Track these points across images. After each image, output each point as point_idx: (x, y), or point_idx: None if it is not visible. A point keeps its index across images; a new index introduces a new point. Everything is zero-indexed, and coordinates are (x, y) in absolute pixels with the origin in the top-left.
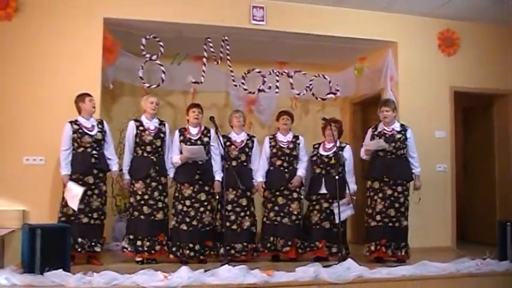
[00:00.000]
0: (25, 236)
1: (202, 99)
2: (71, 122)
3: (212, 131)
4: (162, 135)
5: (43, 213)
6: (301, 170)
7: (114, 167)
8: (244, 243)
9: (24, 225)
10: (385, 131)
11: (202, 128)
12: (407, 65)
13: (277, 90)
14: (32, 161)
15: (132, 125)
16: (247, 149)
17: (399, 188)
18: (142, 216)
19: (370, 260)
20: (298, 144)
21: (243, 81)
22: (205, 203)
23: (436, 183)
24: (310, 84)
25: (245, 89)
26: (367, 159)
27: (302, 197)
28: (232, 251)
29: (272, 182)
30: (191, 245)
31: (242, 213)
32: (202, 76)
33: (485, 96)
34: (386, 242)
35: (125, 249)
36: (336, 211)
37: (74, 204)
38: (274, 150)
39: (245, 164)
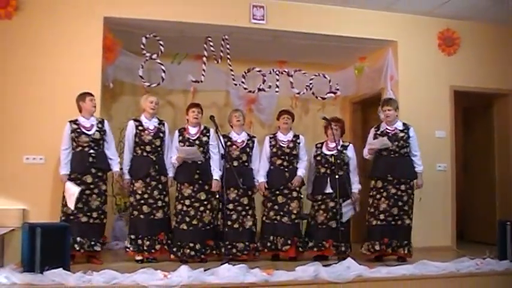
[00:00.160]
0: (25, 235)
1: (202, 98)
2: (70, 122)
3: (212, 131)
4: (161, 134)
5: (43, 212)
6: (301, 170)
7: (115, 167)
8: (246, 243)
9: (24, 224)
10: (388, 130)
11: (202, 127)
12: (407, 64)
13: (277, 89)
14: (32, 160)
15: (131, 124)
16: (248, 149)
17: (403, 187)
18: (142, 216)
19: (370, 258)
20: (299, 143)
21: (243, 80)
22: (205, 202)
23: (436, 183)
24: (310, 84)
25: (245, 88)
26: (370, 158)
27: (302, 196)
28: (234, 250)
29: (272, 182)
30: (191, 245)
31: (244, 213)
32: (203, 75)
33: (485, 95)
34: (388, 241)
35: (127, 249)
36: (342, 210)
37: (71, 203)
38: (274, 150)
39: (246, 164)
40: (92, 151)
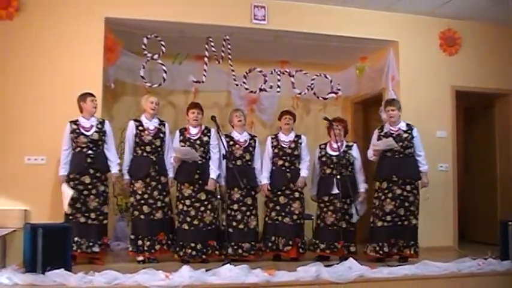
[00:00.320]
0: (27, 235)
1: (204, 98)
2: (71, 122)
3: (213, 131)
4: (161, 135)
5: (44, 212)
6: (304, 171)
7: (114, 169)
8: (252, 243)
9: (25, 225)
10: (392, 131)
11: (203, 127)
12: (408, 64)
13: (278, 89)
14: (34, 161)
15: (131, 125)
16: (250, 148)
17: (408, 187)
18: (142, 216)
19: (372, 258)
20: (300, 143)
21: (244, 80)
22: (206, 202)
23: (437, 183)
24: (312, 84)
25: (246, 89)
26: (374, 160)
27: (303, 196)
28: (240, 251)
29: (274, 182)
30: (193, 245)
31: (248, 213)
32: (204, 75)
33: (486, 95)
34: (394, 241)
35: (129, 250)
36: (352, 210)
37: (64, 205)
38: (276, 150)
39: (249, 163)
40: (90, 152)
